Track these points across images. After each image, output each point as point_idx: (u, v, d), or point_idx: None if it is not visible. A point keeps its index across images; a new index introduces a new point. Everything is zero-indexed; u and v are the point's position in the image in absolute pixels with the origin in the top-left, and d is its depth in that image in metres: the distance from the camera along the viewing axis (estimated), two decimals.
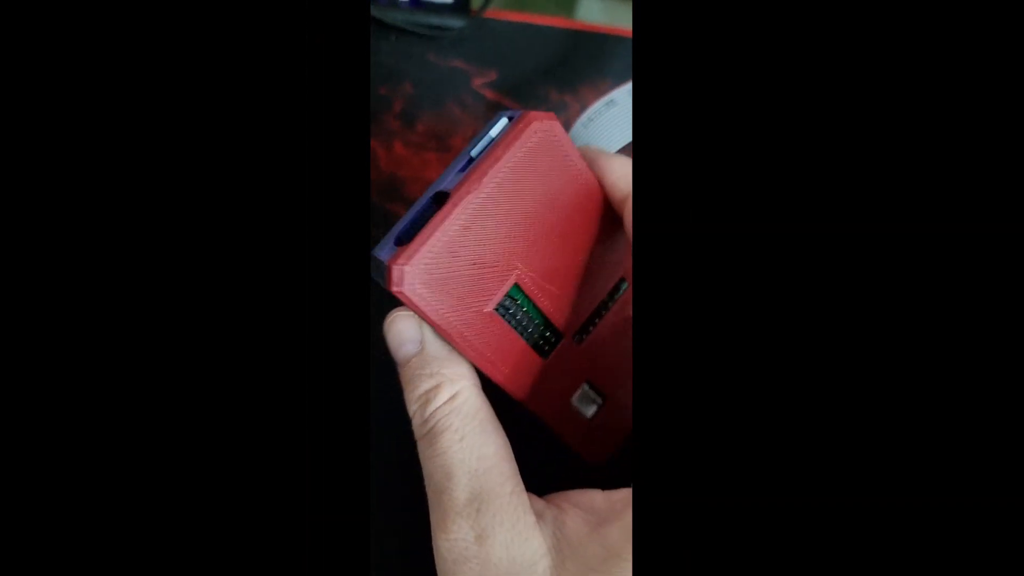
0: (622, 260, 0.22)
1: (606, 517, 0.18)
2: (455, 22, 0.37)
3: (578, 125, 0.26)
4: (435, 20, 0.37)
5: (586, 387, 0.23)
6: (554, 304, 0.21)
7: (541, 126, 0.19)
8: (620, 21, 0.49)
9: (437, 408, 0.19)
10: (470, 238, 0.19)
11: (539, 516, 0.18)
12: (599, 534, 0.18)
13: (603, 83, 0.37)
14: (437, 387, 0.19)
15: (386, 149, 0.33)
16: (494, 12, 0.39)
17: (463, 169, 0.20)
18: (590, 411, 0.24)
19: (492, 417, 0.20)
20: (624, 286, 0.23)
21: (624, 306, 0.23)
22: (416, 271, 0.18)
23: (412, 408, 0.20)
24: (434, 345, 0.20)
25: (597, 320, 0.23)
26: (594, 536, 0.18)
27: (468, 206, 0.19)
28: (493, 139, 0.20)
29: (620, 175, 0.20)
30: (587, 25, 0.41)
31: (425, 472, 0.19)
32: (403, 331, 0.20)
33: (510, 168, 0.19)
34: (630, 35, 0.41)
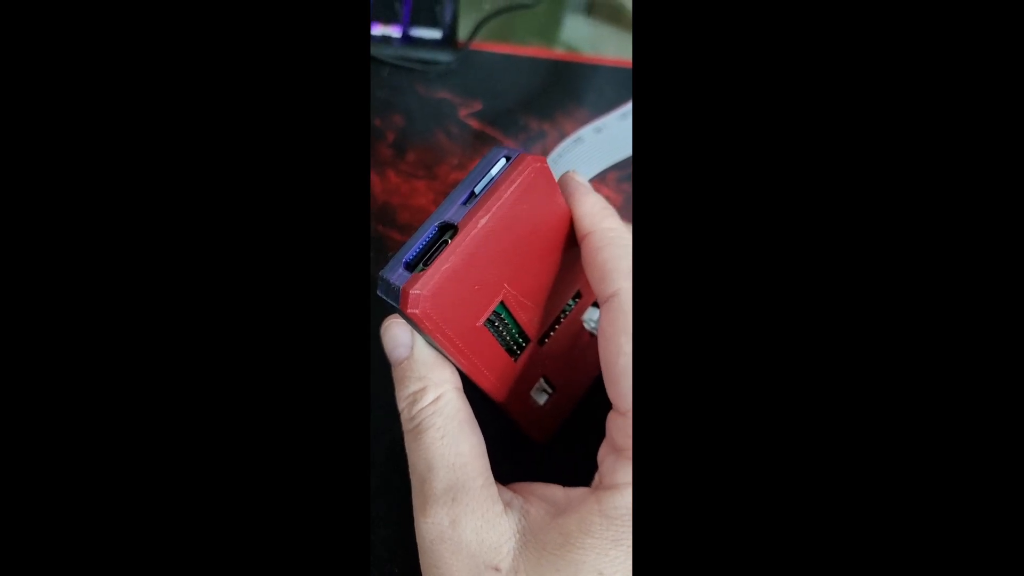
0: (579, 276, 0.26)
1: (564, 509, 0.21)
2: (443, 56, 0.41)
3: (548, 161, 0.30)
4: (425, 55, 0.41)
5: (542, 380, 0.27)
6: (528, 316, 0.25)
7: (536, 168, 0.22)
8: (605, 40, 0.52)
9: (422, 408, 0.22)
10: (473, 265, 0.22)
11: (507, 505, 0.21)
12: (557, 523, 0.20)
13: (578, 112, 0.40)
14: (423, 389, 0.22)
15: (380, 177, 0.37)
16: (479, 44, 0.42)
17: (465, 202, 0.22)
18: (543, 400, 0.27)
19: (470, 417, 0.23)
20: (578, 297, 0.27)
21: (576, 314, 0.27)
22: (431, 298, 0.21)
23: (401, 405, 0.23)
24: (423, 351, 0.23)
25: (557, 326, 0.26)
26: (553, 525, 0.20)
27: (475, 239, 0.21)
28: (494, 177, 0.22)
29: (587, 212, 0.24)
30: (565, 55, 0.44)
31: (410, 462, 0.23)
32: (396, 337, 0.23)
33: (510, 205, 0.22)
34: (605, 63, 0.44)
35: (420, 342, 0.23)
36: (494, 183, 0.22)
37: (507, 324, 0.24)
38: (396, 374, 0.23)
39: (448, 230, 0.22)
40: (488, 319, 0.23)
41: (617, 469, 0.20)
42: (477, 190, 0.23)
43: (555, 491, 0.22)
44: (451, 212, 0.22)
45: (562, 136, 0.39)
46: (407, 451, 0.23)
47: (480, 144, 0.38)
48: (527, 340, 0.25)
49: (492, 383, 0.25)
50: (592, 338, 0.28)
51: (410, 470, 0.23)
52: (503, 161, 0.23)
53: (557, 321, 0.26)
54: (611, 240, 0.23)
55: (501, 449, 0.24)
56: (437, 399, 0.22)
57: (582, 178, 0.25)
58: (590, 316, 0.27)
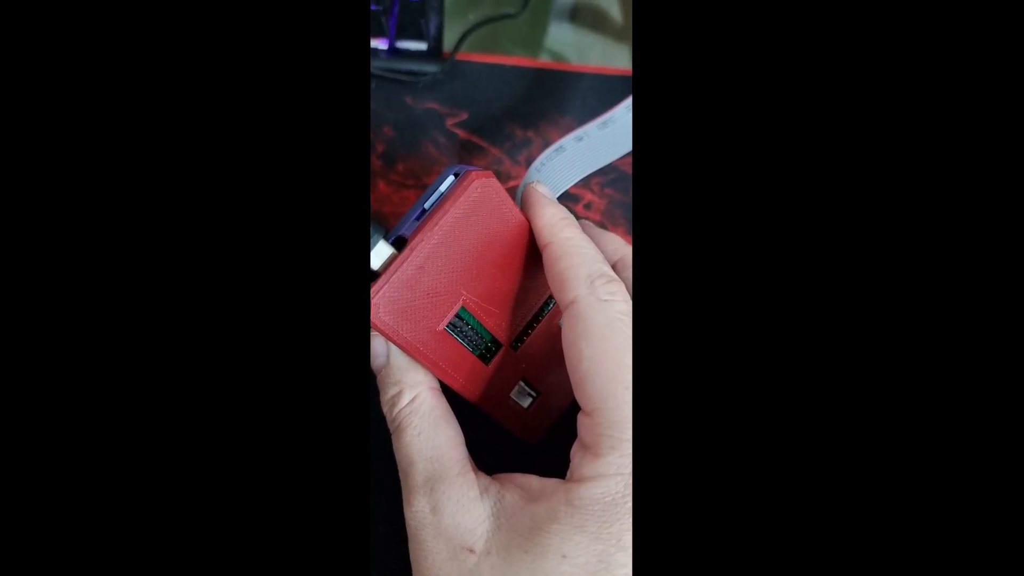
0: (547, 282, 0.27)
1: (537, 497, 0.22)
2: (430, 67, 0.42)
3: (531, 170, 0.31)
4: (411, 66, 0.42)
5: (522, 383, 0.28)
6: (494, 321, 0.26)
7: (480, 183, 0.24)
8: (589, 48, 0.53)
9: (400, 409, 0.24)
10: (424, 275, 0.24)
11: (483, 491, 0.23)
12: (529, 509, 0.22)
13: (562, 119, 0.41)
14: (400, 392, 0.25)
15: (372, 188, 0.38)
16: (464, 54, 0.44)
17: (418, 218, 0.24)
18: (526, 403, 0.29)
19: (446, 413, 0.25)
20: (552, 302, 0.28)
21: (552, 318, 0.28)
22: (381, 304, 0.23)
23: (384, 409, 0.25)
24: (398, 358, 0.25)
25: (530, 331, 0.27)
26: (525, 510, 0.22)
27: (422, 251, 0.23)
28: (443, 193, 0.24)
29: (545, 223, 0.25)
30: (548, 64, 0.45)
31: (396, 459, 0.25)
32: (374, 348, 0.25)
33: (455, 219, 0.24)
34: (588, 71, 0.45)
35: (395, 350, 0.25)
36: (442, 198, 0.24)
37: (473, 329, 0.26)
38: (378, 381, 0.25)
39: (401, 243, 0.24)
40: (450, 324, 0.25)
41: (584, 464, 0.21)
42: (427, 206, 0.24)
43: (531, 480, 0.24)
44: (405, 227, 0.24)
45: (546, 144, 0.40)
46: (393, 449, 0.24)
47: (467, 153, 0.39)
48: (499, 345, 0.27)
49: (463, 385, 0.26)
50: None
51: (397, 466, 0.24)
52: (452, 178, 0.25)
53: (530, 325, 0.27)
54: (568, 249, 0.24)
55: (495, 444, 0.26)
56: (413, 400, 0.24)
57: (544, 189, 0.27)
58: None
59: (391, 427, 0.25)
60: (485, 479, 0.24)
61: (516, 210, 0.25)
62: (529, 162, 0.39)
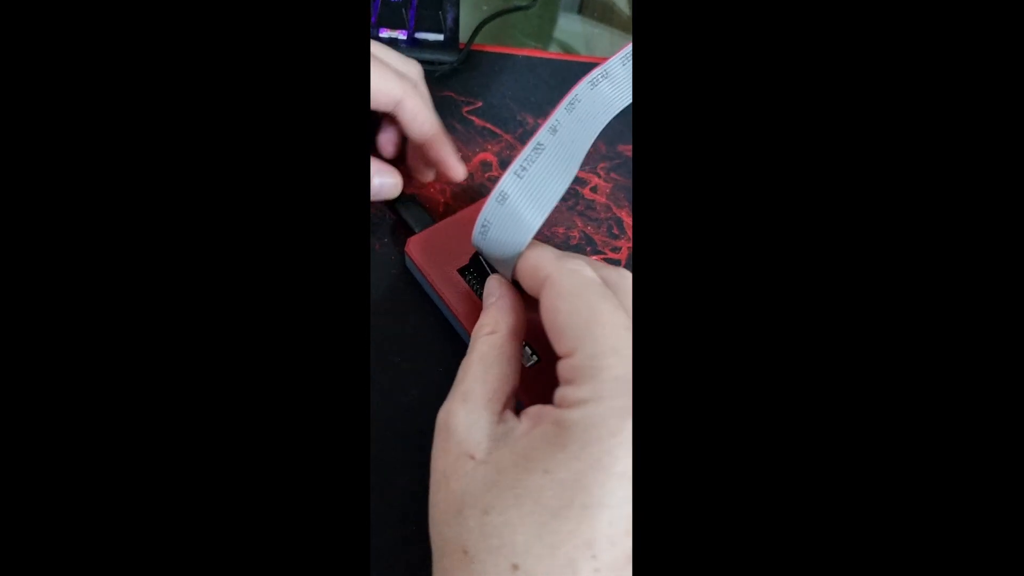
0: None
1: (537, 422, 0.24)
2: (447, 57, 0.44)
3: (510, 173, 0.29)
4: (429, 55, 0.44)
5: (526, 346, 0.33)
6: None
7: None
8: (597, 39, 0.56)
9: (480, 337, 0.28)
10: (447, 234, 0.35)
11: (502, 419, 0.25)
12: (529, 431, 0.24)
13: None
14: (485, 326, 0.28)
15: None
16: (479, 45, 0.46)
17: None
18: (528, 361, 0.32)
19: (512, 357, 0.27)
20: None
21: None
22: (417, 242, 0.35)
23: (473, 334, 0.29)
24: (499, 301, 0.29)
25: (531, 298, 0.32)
26: (526, 434, 0.24)
27: (446, 221, 0.35)
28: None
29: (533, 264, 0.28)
30: (557, 55, 0.48)
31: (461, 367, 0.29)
32: (489, 287, 0.30)
33: (474, 210, 0.35)
34: (596, 61, 0.48)
35: (498, 295, 0.30)
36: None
37: (479, 277, 0.33)
38: (481, 315, 0.30)
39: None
40: (462, 270, 0.34)
41: (567, 393, 0.24)
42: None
43: (539, 407, 0.26)
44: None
45: None
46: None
47: (482, 139, 0.42)
48: None
49: (466, 318, 0.33)
50: None
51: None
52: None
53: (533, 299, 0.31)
54: (535, 254, 0.28)
55: None
56: (491, 333, 0.28)
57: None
58: None
59: (469, 346, 0.28)
60: (508, 414, 0.26)
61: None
62: None
